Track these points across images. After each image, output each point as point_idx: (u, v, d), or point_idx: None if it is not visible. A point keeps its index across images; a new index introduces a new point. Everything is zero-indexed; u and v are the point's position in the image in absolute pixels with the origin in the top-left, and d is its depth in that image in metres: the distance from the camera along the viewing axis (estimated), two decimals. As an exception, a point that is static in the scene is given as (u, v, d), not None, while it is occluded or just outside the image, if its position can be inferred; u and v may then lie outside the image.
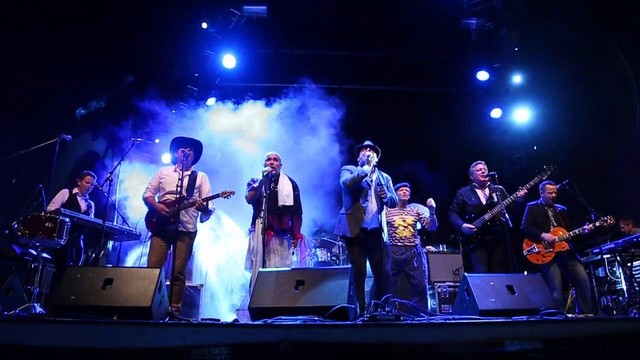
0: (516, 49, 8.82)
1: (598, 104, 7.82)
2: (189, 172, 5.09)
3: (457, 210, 5.57)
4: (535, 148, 9.29)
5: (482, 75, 9.31)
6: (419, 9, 8.48)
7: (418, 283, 5.62)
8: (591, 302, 5.44)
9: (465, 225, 5.33)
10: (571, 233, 5.50)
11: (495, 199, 5.32)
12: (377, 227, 4.65)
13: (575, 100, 8.20)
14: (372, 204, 4.77)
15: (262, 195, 4.77)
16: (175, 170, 5.06)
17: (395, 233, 5.72)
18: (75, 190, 6.13)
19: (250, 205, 5.17)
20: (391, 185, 5.10)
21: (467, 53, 9.52)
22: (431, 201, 5.71)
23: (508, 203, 5.18)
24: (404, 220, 5.80)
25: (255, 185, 4.93)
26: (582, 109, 8.12)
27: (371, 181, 4.82)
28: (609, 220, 5.41)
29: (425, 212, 5.93)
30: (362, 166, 4.88)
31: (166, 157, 8.03)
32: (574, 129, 8.32)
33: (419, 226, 6.01)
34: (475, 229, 5.27)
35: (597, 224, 5.43)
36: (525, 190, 5.27)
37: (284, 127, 7.92)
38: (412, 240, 5.74)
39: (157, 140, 8.29)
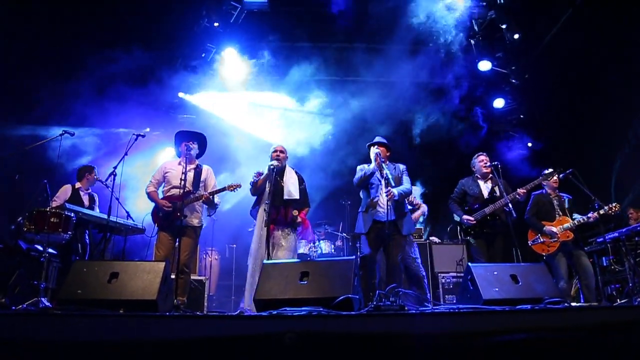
0: (517, 37, 8.71)
1: (602, 93, 7.75)
2: (193, 166, 5.08)
3: (457, 200, 5.56)
4: (529, 145, 9.22)
5: (484, 65, 9.23)
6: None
7: (410, 270, 5.77)
8: (595, 291, 5.43)
9: (465, 217, 5.32)
10: (575, 222, 5.46)
11: (497, 193, 5.31)
12: (392, 219, 4.68)
13: (578, 89, 8.14)
14: (383, 198, 4.83)
15: (268, 189, 4.76)
16: (179, 164, 4.99)
17: None
18: (77, 185, 6.07)
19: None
20: (405, 174, 5.12)
21: (468, 43, 9.41)
22: (421, 206, 5.86)
23: (509, 200, 5.13)
24: None
25: (262, 177, 4.92)
26: (585, 98, 8.06)
27: (381, 177, 4.89)
28: (614, 208, 5.33)
29: (416, 194, 6.02)
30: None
31: (169, 151, 8.07)
32: (577, 119, 8.26)
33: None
34: (475, 222, 5.26)
35: (602, 211, 5.34)
36: (525, 191, 5.24)
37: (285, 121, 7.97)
38: None
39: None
